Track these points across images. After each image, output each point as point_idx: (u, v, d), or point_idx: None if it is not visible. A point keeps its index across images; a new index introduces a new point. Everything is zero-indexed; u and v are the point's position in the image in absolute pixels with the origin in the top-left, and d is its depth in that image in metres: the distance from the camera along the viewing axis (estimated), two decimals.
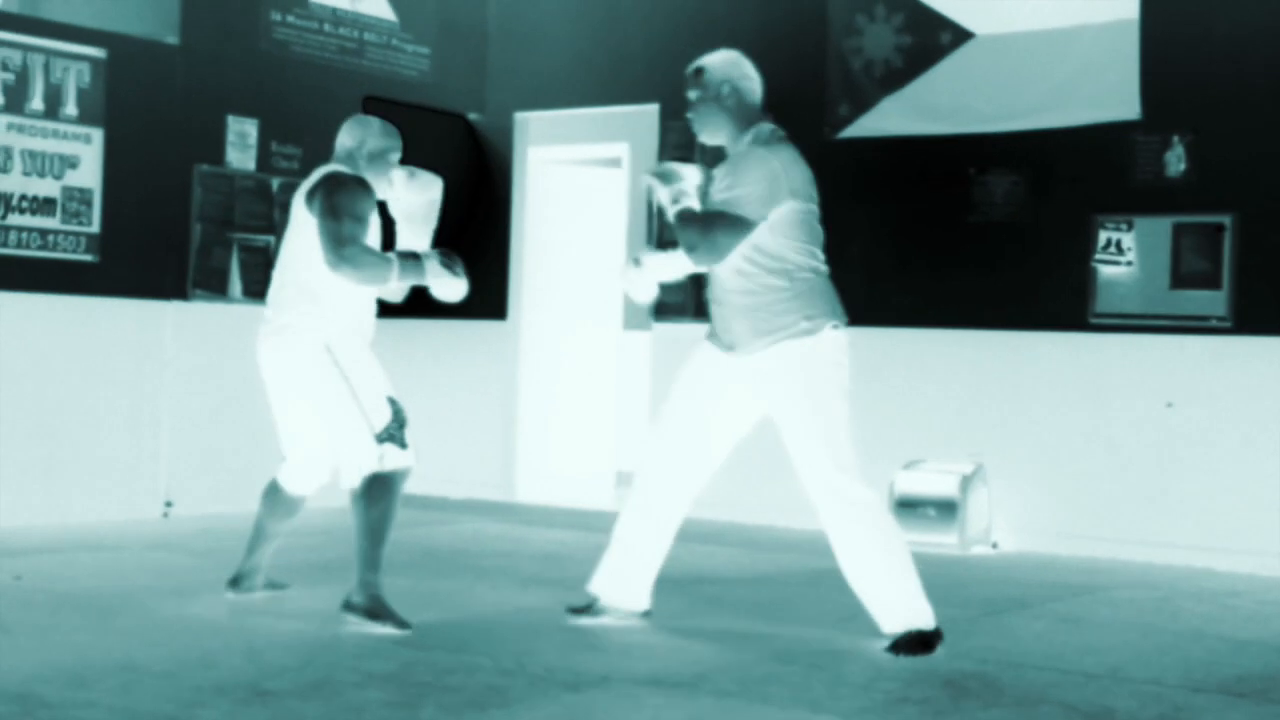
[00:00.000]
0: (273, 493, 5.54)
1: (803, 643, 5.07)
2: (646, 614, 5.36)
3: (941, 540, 7.61)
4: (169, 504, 7.94)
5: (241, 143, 8.29)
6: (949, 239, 8.13)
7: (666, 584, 6.27)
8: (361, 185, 5.21)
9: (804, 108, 8.51)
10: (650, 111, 9.05)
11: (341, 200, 5.11)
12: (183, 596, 5.59)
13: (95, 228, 7.62)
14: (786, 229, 5.04)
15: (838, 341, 5.07)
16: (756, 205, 4.98)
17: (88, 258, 7.60)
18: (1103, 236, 7.66)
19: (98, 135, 7.63)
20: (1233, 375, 7.36)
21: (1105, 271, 7.66)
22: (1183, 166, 7.51)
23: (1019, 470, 7.81)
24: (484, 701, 4.11)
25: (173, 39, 8.00)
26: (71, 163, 7.53)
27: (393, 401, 5.20)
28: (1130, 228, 7.61)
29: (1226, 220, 7.40)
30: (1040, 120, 7.85)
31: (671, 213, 5.07)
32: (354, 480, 5.16)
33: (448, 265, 5.26)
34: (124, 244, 7.73)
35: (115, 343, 7.78)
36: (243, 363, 8.13)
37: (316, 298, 5.19)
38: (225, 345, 8.16)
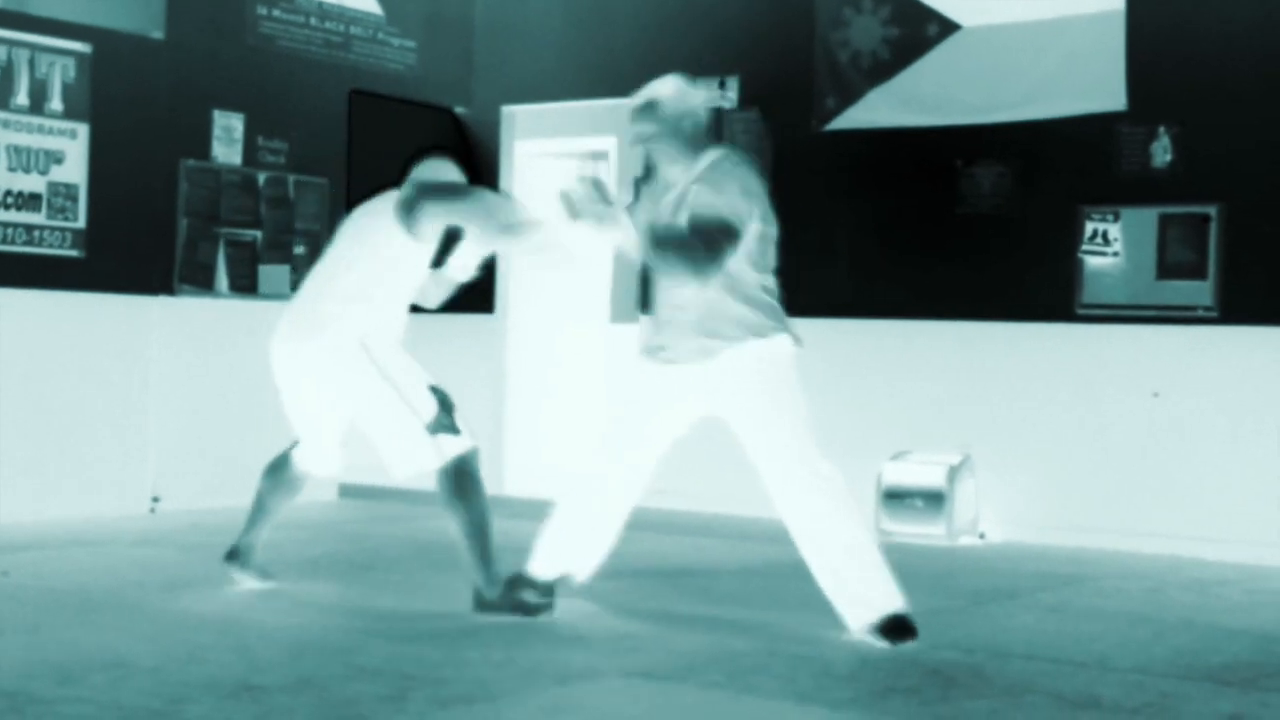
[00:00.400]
0: (279, 468, 5.60)
1: (790, 634, 5.07)
2: (576, 584, 5.37)
3: (929, 531, 7.62)
4: (156, 499, 7.93)
5: (228, 137, 8.27)
6: (936, 231, 8.13)
7: (655, 576, 6.28)
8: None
9: (791, 100, 8.52)
10: None
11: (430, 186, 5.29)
12: (171, 592, 5.58)
13: (81, 223, 7.60)
14: (747, 248, 5.00)
15: (788, 348, 5.07)
16: (745, 218, 4.94)
17: (73, 253, 7.58)
18: (1089, 227, 7.67)
19: (83, 130, 7.61)
20: (1219, 365, 7.38)
21: (1092, 262, 7.67)
22: (1169, 157, 7.53)
23: (1006, 461, 7.82)
24: (473, 695, 4.11)
25: (158, 34, 7.98)
26: (57, 158, 7.51)
27: (435, 390, 5.27)
28: (1116, 218, 7.62)
29: (1212, 211, 7.41)
30: (1027, 112, 7.86)
31: (645, 240, 4.92)
32: (405, 474, 5.24)
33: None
34: (110, 239, 7.71)
35: (101, 338, 7.77)
36: (229, 358, 8.19)
37: (358, 300, 5.25)
38: (212, 340, 8.15)
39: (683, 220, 4.95)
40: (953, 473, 7.68)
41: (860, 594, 4.95)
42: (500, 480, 9.48)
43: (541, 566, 5.32)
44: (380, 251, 5.28)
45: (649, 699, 4.20)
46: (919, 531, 7.62)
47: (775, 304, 5.09)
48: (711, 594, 5.91)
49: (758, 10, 8.70)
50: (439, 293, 5.55)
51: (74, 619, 5.04)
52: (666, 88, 5.14)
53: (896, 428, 8.06)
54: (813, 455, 5.00)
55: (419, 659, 4.51)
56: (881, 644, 4.88)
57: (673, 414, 5.18)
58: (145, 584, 5.74)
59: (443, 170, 5.50)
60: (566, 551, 5.32)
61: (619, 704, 4.15)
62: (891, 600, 4.96)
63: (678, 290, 5.01)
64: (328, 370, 5.26)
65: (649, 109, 5.10)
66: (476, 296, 9.53)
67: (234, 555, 5.61)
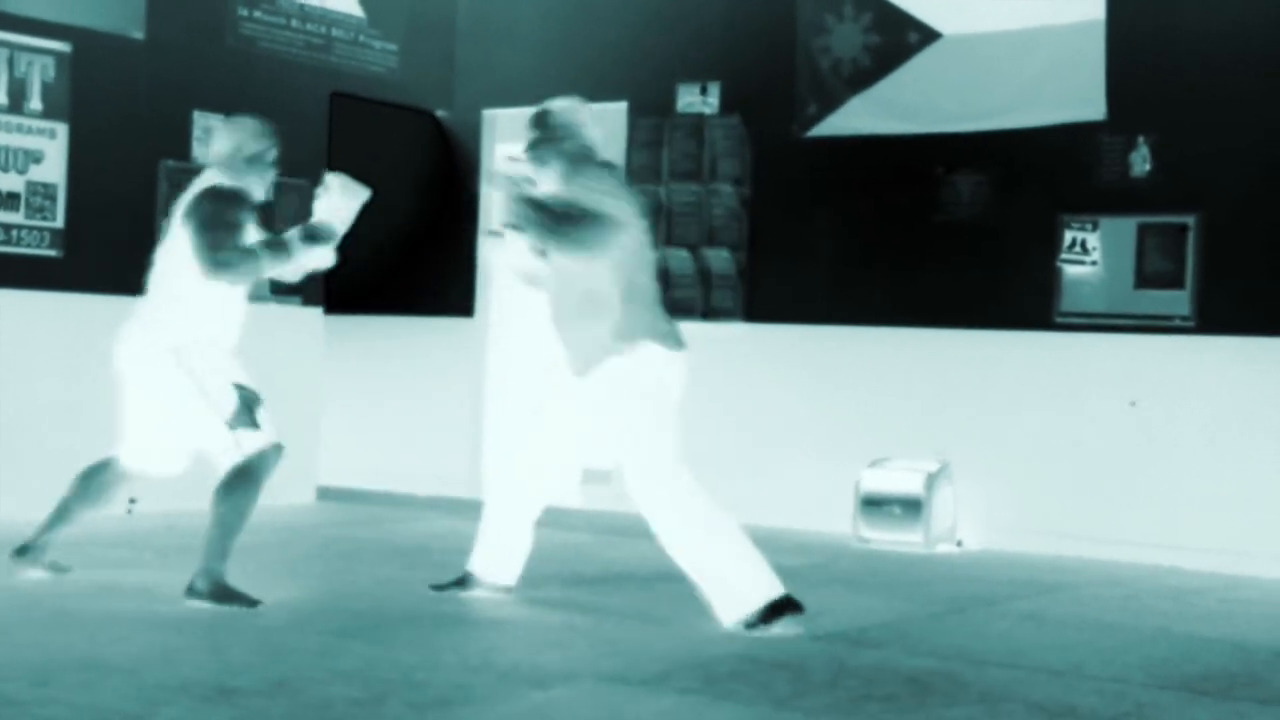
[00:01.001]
0: (98, 472, 5.69)
1: (767, 640, 5.08)
2: (510, 589, 5.65)
3: (907, 538, 7.63)
4: (133, 501, 7.88)
5: (208, 138, 8.23)
6: (916, 238, 8.15)
7: (633, 581, 6.28)
8: (234, 196, 5.40)
9: (772, 106, 8.53)
10: (618, 109, 9.04)
11: (212, 211, 5.31)
12: (146, 593, 5.56)
13: (59, 223, 7.58)
14: (625, 255, 5.21)
15: (658, 356, 5.23)
16: (608, 211, 5.14)
17: (52, 253, 7.55)
18: (1068, 236, 7.69)
19: (62, 130, 7.58)
20: (1196, 374, 7.41)
21: (1070, 271, 7.70)
22: (1147, 167, 7.56)
23: (984, 468, 7.83)
24: (449, 699, 4.10)
25: (138, 33, 7.95)
26: (36, 157, 7.48)
27: (239, 387, 5.37)
28: (1095, 227, 7.64)
29: (1190, 220, 7.44)
30: (1007, 120, 7.88)
31: (520, 204, 5.13)
32: (225, 469, 5.36)
33: (313, 236, 5.39)
34: (88, 239, 7.68)
35: (79, 338, 7.72)
36: None
37: (181, 306, 5.39)
38: None
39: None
40: (931, 480, 7.69)
41: (728, 592, 5.15)
42: (478, 484, 9.46)
43: (480, 566, 5.63)
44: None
45: (626, 704, 4.19)
46: (897, 539, 7.63)
47: (646, 312, 5.25)
48: (689, 599, 5.89)
49: (739, 16, 8.71)
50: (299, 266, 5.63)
51: (49, 620, 5.01)
52: (558, 103, 5.43)
53: (875, 435, 8.06)
54: (664, 470, 5.16)
55: (395, 662, 4.50)
56: (770, 631, 5.06)
57: (577, 419, 5.44)
58: (121, 585, 5.72)
59: (244, 139, 5.52)
60: (499, 554, 5.62)
61: (596, 708, 4.14)
62: (762, 591, 5.11)
63: (552, 312, 5.29)
64: (138, 370, 5.42)
65: (537, 117, 5.39)
66: (457, 300, 9.54)
67: (25, 551, 5.70)
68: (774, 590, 5.16)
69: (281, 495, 8.50)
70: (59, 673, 4.21)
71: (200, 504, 7.41)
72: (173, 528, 7.32)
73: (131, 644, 4.63)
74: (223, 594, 5.27)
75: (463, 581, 5.69)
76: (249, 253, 5.33)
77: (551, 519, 8.34)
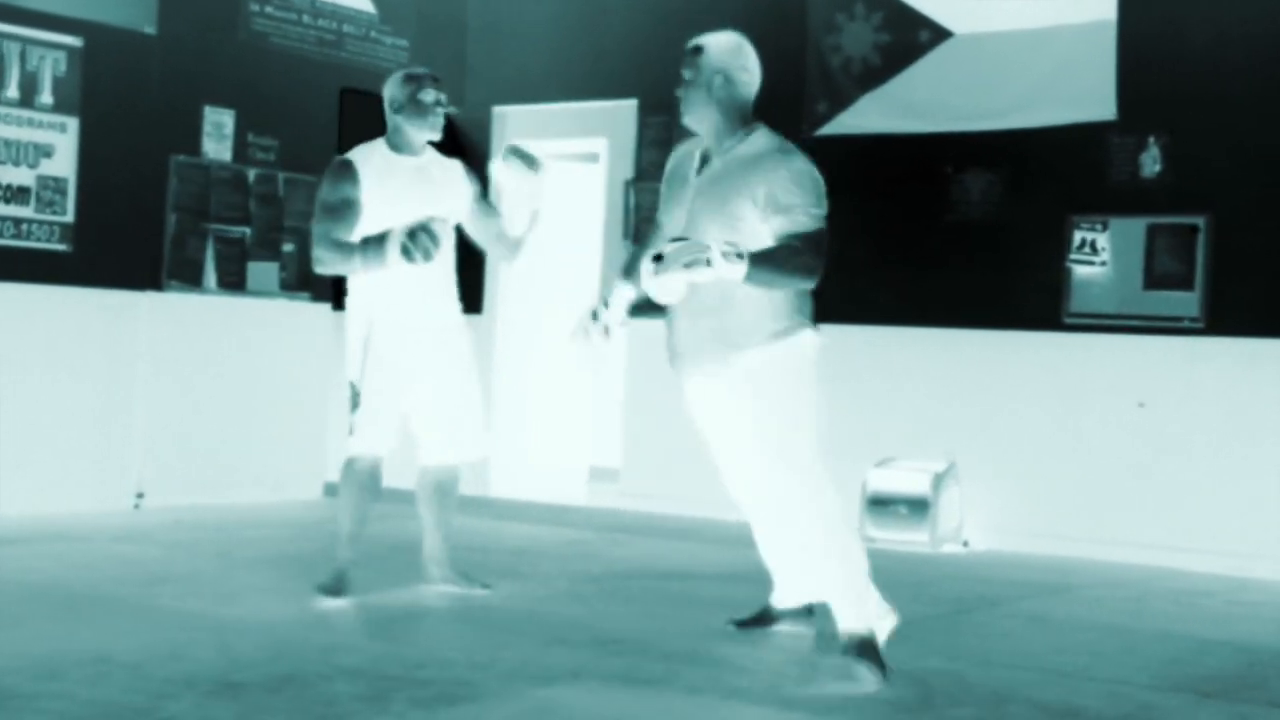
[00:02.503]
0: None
1: (775, 639, 5.08)
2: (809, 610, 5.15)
3: (913, 538, 7.63)
4: (140, 495, 7.91)
5: (218, 133, 8.26)
6: (925, 237, 8.14)
7: (639, 579, 6.28)
8: (332, 173, 5.45)
9: (782, 105, 8.50)
10: (629, 107, 9.05)
11: (318, 196, 5.46)
12: (153, 588, 5.58)
13: (70, 217, 7.59)
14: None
15: (810, 344, 4.70)
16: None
17: (61, 247, 7.57)
18: (1078, 236, 7.68)
19: (73, 124, 7.59)
20: (1205, 376, 7.40)
21: (1080, 271, 7.69)
22: (1158, 167, 7.55)
23: (991, 469, 7.83)
24: (455, 696, 4.11)
25: (150, 28, 7.96)
26: (46, 151, 7.50)
27: (353, 384, 5.46)
28: (1105, 228, 7.64)
29: (1200, 221, 7.43)
30: (1017, 120, 7.87)
31: (730, 264, 4.25)
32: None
33: (410, 247, 5.15)
34: (98, 234, 7.70)
35: (88, 333, 7.75)
36: (217, 354, 8.18)
37: (363, 283, 5.50)
38: (199, 337, 8.14)
39: (725, 198, 4.57)
40: (937, 480, 7.68)
41: (854, 599, 4.66)
42: (486, 481, 9.48)
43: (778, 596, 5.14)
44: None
45: (632, 702, 4.20)
46: (903, 538, 7.63)
47: (801, 294, 4.68)
48: (696, 599, 5.91)
49: (750, 13, 8.68)
50: (504, 251, 5.86)
51: (56, 614, 5.03)
52: (717, 40, 4.78)
53: (882, 434, 8.06)
54: (806, 464, 4.60)
55: (400, 659, 4.51)
56: (855, 670, 4.49)
57: (717, 424, 4.79)
58: (127, 580, 5.74)
59: (389, 92, 5.55)
60: (788, 580, 5.00)
61: (601, 707, 4.15)
62: (876, 619, 4.66)
63: (697, 298, 4.47)
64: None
65: (691, 53, 4.77)
66: (465, 297, 9.53)
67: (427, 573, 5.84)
68: (889, 622, 4.68)
69: (289, 491, 8.54)
70: (66, 666, 4.22)
71: (206, 499, 7.47)
72: (180, 522, 7.34)
73: (138, 638, 4.65)
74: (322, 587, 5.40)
75: (761, 617, 5.20)
76: (336, 250, 5.32)
77: (556, 516, 8.36)
